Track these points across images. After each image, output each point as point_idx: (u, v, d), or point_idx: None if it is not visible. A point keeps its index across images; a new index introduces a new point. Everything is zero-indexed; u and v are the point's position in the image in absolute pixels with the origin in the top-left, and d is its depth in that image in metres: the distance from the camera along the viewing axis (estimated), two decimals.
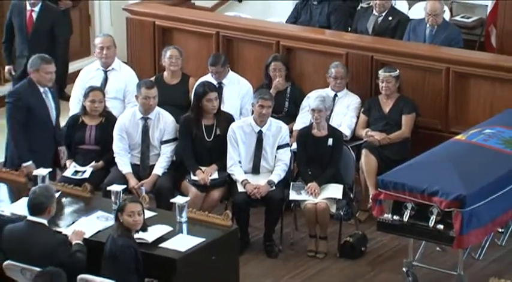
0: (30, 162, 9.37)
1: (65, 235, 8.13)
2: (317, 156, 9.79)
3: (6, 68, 11.79)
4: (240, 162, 9.77)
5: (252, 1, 13.21)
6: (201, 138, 9.77)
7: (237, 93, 10.47)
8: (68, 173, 9.76)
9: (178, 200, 8.59)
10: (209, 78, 10.41)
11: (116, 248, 7.80)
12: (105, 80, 10.60)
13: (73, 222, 8.45)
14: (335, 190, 9.65)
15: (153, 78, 10.57)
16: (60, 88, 12.54)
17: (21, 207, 8.41)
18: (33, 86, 9.52)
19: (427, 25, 11.11)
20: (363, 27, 11.59)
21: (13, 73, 11.63)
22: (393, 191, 8.75)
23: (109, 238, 7.92)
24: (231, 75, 10.60)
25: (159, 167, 9.81)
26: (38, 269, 7.85)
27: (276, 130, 9.79)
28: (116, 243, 7.82)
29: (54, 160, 9.75)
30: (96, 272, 7.90)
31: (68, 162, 9.92)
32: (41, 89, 9.53)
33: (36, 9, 11.47)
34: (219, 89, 10.12)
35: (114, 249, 7.80)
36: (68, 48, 12.72)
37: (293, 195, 9.66)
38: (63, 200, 8.79)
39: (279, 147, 9.78)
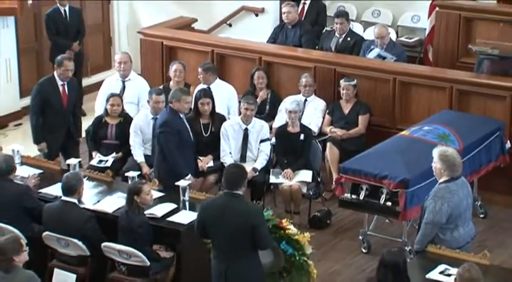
0: (190, 176, 8.98)
1: (92, 211, 8.12)
2: (291, 148, 9.78)
3: (41, 145, 9.97)
4: (230, 153, 9.75)
5: (240, 25, 13.20)
6: (200, 134, 9.74)
7: (223, 96, 10.39)
8: (93, 162, 9.72)
9: (182, 183, 8.57)
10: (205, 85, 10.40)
11: (135, 224, 7.79)
12: (123, 88, 10.55)
13: (98, 201, 8.44)
14: (306, 175, 9.64)
15: (161, 87, 10.53)
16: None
17: (56, 190, 8.38)
18: (175, 114, 9.01)
19: (377, 45, 11.12)
20: (327, 46, 11.60)
21: (46, 150, 9.95)
22: (352, 175, 8.76)
23: (122, 215, 7.90)
24: (218, 82, 10.55)
25: None
26: (71, 239, 7.85)
27: (259, 127, 9.78)
28: (134, 220, 7.80)
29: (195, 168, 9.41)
30: (116, 240, 7.91)
31: (93, 154, 9.90)
32: (181, 115, 9.09)
33: (65, 81, 9.88)
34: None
35: (132, 225, 7.79)
36: (81, 73, 12.42)
37: (272, 179, 9.65)
38: (90, 183, 8.77)
39: (261, 141, 9.76)
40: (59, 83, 9.84)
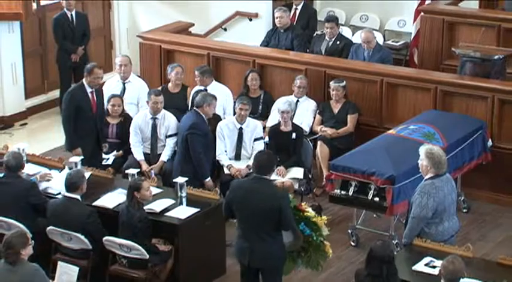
0: (209, 178, 9.05)
1: (94, 207, 8.10)
2: (284, 146, 9.76)
3: (77, 151, 9.42)
4: (225, 151, 9.73)
5: (235, 30, 13.19)
6: None
7: (219, 97, 10.36)
8: None
9: (179, 179, 8.55)
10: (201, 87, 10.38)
11: (135, 219, 7.78)
12: (124, 89, 10.54)
13: (100, 197, 8.41)
14: (297, 172, 9.62)
15: (160, 88, 10.51)
16: None
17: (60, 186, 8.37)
18: (202, 118, 9.04)
19: (365, 48, 11.14)
20: (318, 49, 11.60)
21: (81, 155, 9.26)
22: (341, 172, 8.75)
23: (123, 210, 7.89)
24: (214, 83, 10.54)
25: (165, 155, 9.75)
26: (74, 233, 7.84)
27: (253, 127, 9.76)
28: (134, 215, 7.79)
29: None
30: (116, 234, 7.90)
31: None
32: (205, 119, 9.09)
33: (94, 89, 9.52)
34: None
35: (132, 220, 7.78)
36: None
37: None
38: (92, 180, 8.75)
39: (255, 139, 9.74)
40: (88, 90, 9.44)
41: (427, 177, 7.48)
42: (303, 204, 7.70)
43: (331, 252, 7.75)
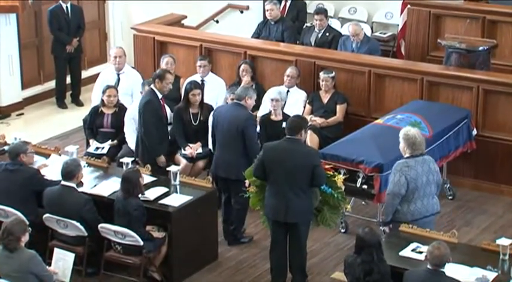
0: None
1: (90, 195, 8.09)
2: (275, 135, 9.69)
3: (162, 158, 9.18)
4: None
5: (226, 22, 13.17)
6: (189, 123, 9.70)
7: (214, 88, 10.38)
8: (90, 149, 9.69)
9: (173, 168, 8.56)
10: (195, 78, 10.35)
11: (130, 206, 7.77)
12: (118, 80, 10.51)
13: (95, 185, 8.40)
14: None
15: None
16: (76, 96, 12.47)
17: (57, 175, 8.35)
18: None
19: (353, 40, 11.13)
20: (307, 41, 11.59)
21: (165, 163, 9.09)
22: (331, 160, 8.74)
23: (118, 198, 7.88)
24: (211, 75, 10.54)
25: None
26: (70, 220, 7.83)
27: None
28: (129, 203, 7.78)
29: None
30: (111, 221, 7.89)
31: (90, 141, 9.86)
32: None
33: (164, 94, 9.16)
34: (202, 85, 10.05)
35: (128, 208, 7.77)
36: (80, 66, 12.49)
37: None
38: (88, 169, 8.73)
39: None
40: (159, 96, 9.06)
41: (404, 157, 7.55)
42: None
43: (349, 208, 8.11)
